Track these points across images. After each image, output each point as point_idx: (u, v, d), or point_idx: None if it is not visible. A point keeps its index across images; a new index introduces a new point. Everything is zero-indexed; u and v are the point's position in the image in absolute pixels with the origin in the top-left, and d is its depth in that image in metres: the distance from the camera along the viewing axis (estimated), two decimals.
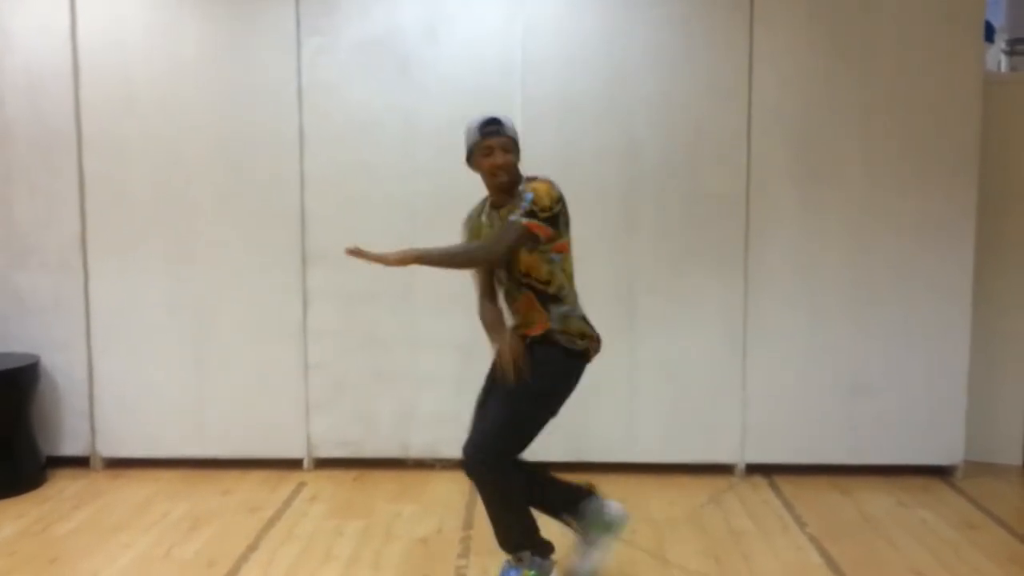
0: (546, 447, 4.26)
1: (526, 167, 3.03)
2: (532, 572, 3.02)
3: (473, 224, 3.13)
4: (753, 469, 4.28)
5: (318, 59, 4.17)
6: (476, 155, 2.99)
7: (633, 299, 4.20)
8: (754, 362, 4.21)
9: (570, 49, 4.13)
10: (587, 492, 3.14)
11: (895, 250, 4.15)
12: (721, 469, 4.28)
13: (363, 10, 4.15)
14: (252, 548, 3.43)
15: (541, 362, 2.97)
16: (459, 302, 4.18)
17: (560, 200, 2.92)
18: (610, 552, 3.13)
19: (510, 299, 3.06)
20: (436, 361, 4.27)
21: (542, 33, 4.12)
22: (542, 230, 2.87)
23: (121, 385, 4.31)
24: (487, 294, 3.13)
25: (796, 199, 4.15)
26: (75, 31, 4.18)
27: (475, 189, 3.21)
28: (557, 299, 3.01)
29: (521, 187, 2.95)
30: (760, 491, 4.08)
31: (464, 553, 3.40)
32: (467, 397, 4.13)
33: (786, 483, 4.16)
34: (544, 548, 3.07)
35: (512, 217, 2.87)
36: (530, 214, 2.85)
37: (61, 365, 4.30)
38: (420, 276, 4.18)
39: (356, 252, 2.70)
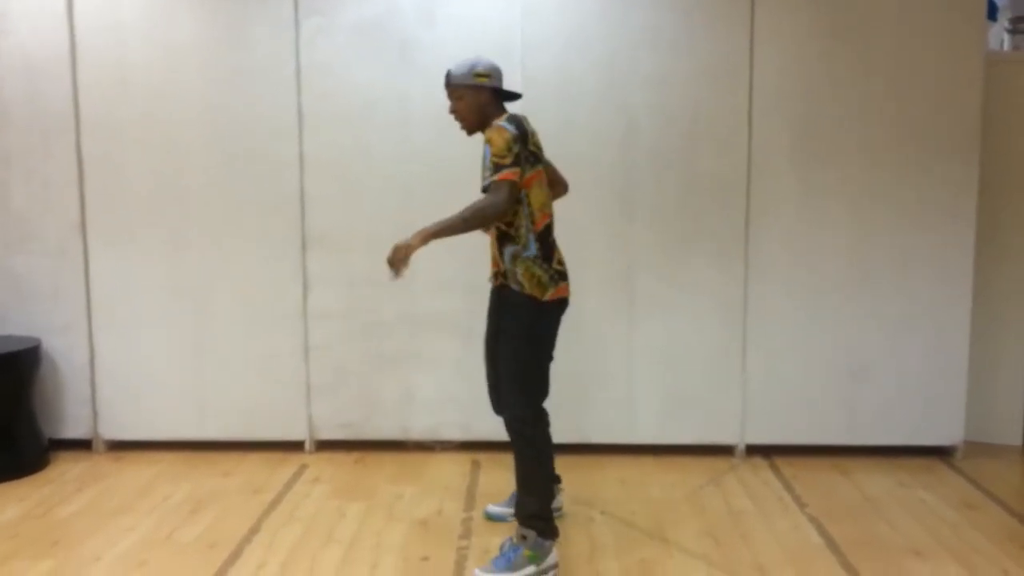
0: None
1: None
2: (531, 553, 3.05)
3: None
4: (753, 450, 4.29)
5: (316, 41, 4.14)
6: None
7: (632, 282, 4.20)
8: (754, 343, 4.21)
9: (569, 31, 4.10)
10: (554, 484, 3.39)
11: (896, 232, 4.14)
12: (721, 450, 4.29)
13: None
14: (254, 530, 3.45)
15: (511, 306, 3.13)
16: (459, 285, 4.18)
17: (515, 140, 2.99)
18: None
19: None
20: (436, 344, 4.27)
21: (541, 15, 4.10)
22: (513, 174, 2.97)
23: (122, 368, 4.32)
24: None
25: (796, 182, 4.13)
26: (72, 12, 4.15)
27: (472, 173, 3.22)
28: (509, 238, 3.11)
29: (486, 135, 3.06)
30: (760, 472, 4.09)
31: (465, 534, 3.42)
32: (468, 379, 4.18)
33: (786, 464, 4.17)
34: (550, 531, 3.11)
35: (485, 179, 2.98)
36: (496, 168, 2.96)
37: (62, 349, 4.31)
38: (420, 259, 4.16)
39: (394, 267, 2.96)
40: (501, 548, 3.16)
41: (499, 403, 3.27)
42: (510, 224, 3.08)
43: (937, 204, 4.12)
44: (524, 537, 3.06)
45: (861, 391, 4.21)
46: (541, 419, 3.15)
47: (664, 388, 4.25)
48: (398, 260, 2.93)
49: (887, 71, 4.07)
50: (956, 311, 4.17)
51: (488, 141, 2.99)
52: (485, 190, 2.98)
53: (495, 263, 3.19)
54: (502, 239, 3.11)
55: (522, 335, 3.10)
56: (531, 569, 3.04)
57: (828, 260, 4.16)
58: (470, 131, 3.22)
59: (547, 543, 3.08)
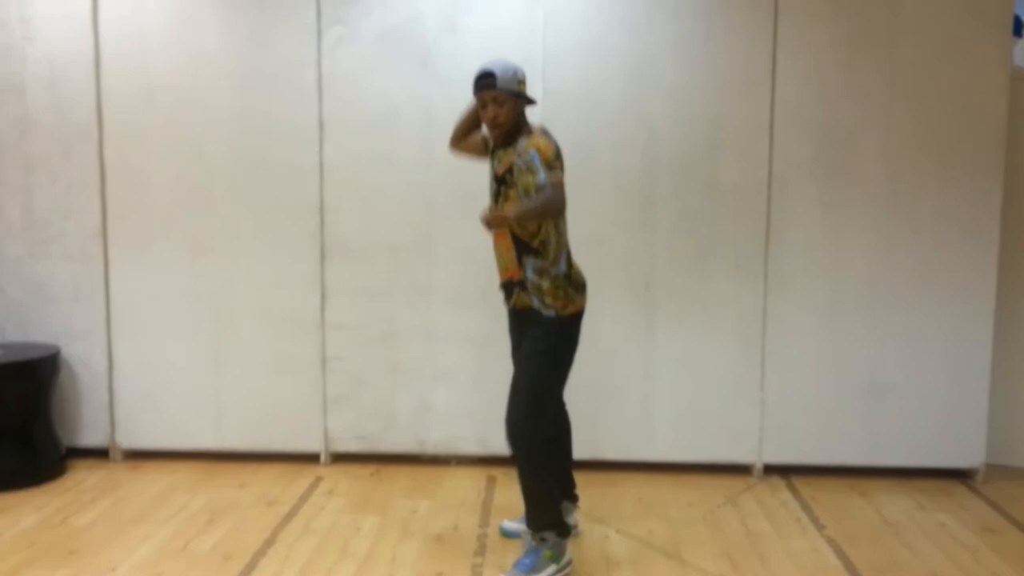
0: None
1: None
2: (551, 553, 3.13)
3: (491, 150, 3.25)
4: (771, 470, 4.25)
5: (338, 49, 4.14)
6: (477, 105, 3.14)
7: (650, 295, 4.18)
8: (773, 361, 4.18)
9: (591, 40, 4.09)
10: (571, 495, 3.44)
11: (917, 248, 4.09)
12: (739, 469, 4.26)
13: (384, 0, 4.12)
14: (269, 543, 3.44)
15: (535, 324, 3.13)
16: (476, 298, 4.16)
17: (557, 153, 3.03)
18: None
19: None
20: (453, 356, 4.26)
21: (563, 23, 4.08)
22: (562, 181, 2.97)
23: (140, 377, 4.33)
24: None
25: (817, 195, 4.10)
26: (97, 20, 4.17)
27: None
28: (536, 252, 3.11)
29: (523, 141, 3.04)
30: (778, 492, 4.05)
31: (480, 551, 3.40)
32: (484, 393, 4.17)
33: (804, 484, 4.14)
34: (566, 529, 3.20)
35: (540, 180, 2.92)
36: (550, 169, 2.93)
37: (81, 356, 4.32)
38: (438, 271, 4.18)
39: (490, 227, 2.92)
40: (525, 551, 3.20)
41: (507, 416, 3.19)
42: (534, 235, 3.08)
43: (959, 219, 4.08)
44: (544, 539, 3.13)
45: (880, 411, 4.17)
46: (544, 433, 3.14)
47: (681, 405, 4.22)
48: (495, 221, 2.90)
49: (910, 84, 4.03)
50: (978, 329, 4.12)
51: (535, 147, 2.95)
52: (539, 189, 2.93)
53: (510, 271, 3.15)
54: (523, 249, 3.10)
55: (548, 352, 3.12)
56: (552, 568, 3.13)
57: (848, 275, 4.12)
58: (505, 140, 3.12)
59: (563, 542, 3.18)
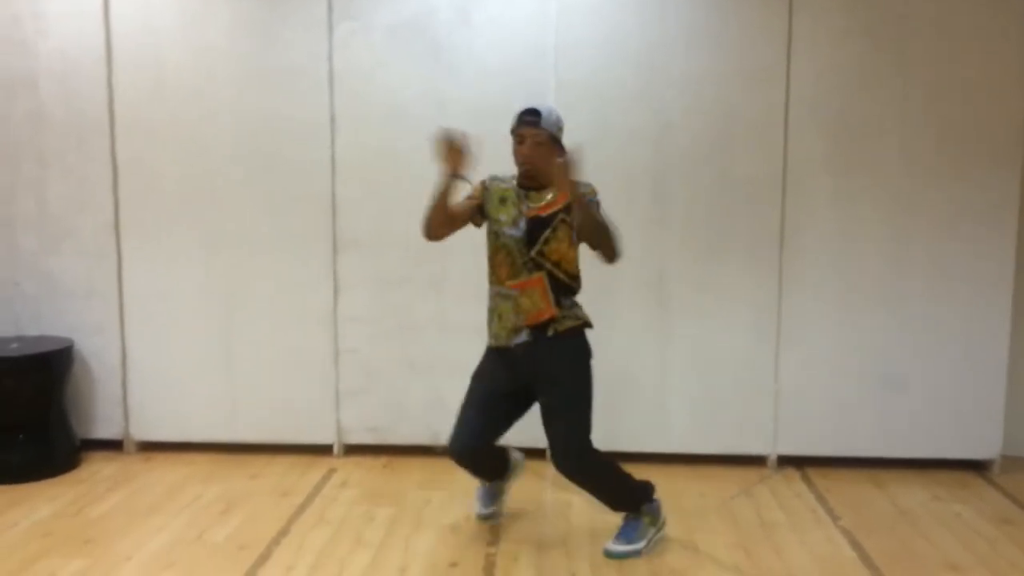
0: None
1: None
2: (648, 517, 3.30)
3: (505, 198, 3.15)
4: (785, 461, 4.23)
5: (350, 43, 4.15)
6: (513, 139, 3.08)
7: (664, 287, 4.16)
8: (787, 352, 4.16)
9: (604, 31, 4.08)
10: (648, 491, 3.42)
11: (933, 240, 4.07)
12: (753, 461, 4.24)
13: None
14: (283, 533, 3.45)
15: (572, 349, 3.15)
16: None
17: None
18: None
19: (510, 272, 3.10)
20: (466, 349, 4.22)
21: (576, 15, 4.08)
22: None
23: (154, 370, 4.34)
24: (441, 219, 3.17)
25: (832, 187, 4.08)
26: (108, 14, 4.18)
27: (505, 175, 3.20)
28: (572, 291, 3.16)
29: (586, 186, 3.05)
30: (792, 483, 4.03)
31: (494, 541, 3.40)
32: None
33: (819, 475, 4.12)
34: (651, 493, 3.35)
35: (597, 208, 3.06)
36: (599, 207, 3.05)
37: (95, 349, 4.34)
38: (452, 263, 4.17)
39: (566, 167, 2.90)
40: (624, 526, 3.29)
41: (560, 453, 3.16)
42: (575, 277, 3.16)
43: (976, 211, 4.05)
44: (639, 511, 3.28)
45: (896, 402, 4.14)
46: (598, 456, 3.21)
47: (696, 396, 4.21)
48: (567, 165, 2.92)
49: (926, 75, 4.01)
50: (995, 321, 4.09)
51: (580, 183, 2.99)
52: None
53: (542, 312, 3.10)
54: (563, 290, 3.13)
55: (588, 371, 3.17)
56: (652, 531, 3.31)
57: (863, 267, 4.10)
58: (534, 180, 3.10)
59: (655, 502, 3.33)
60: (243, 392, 4.33)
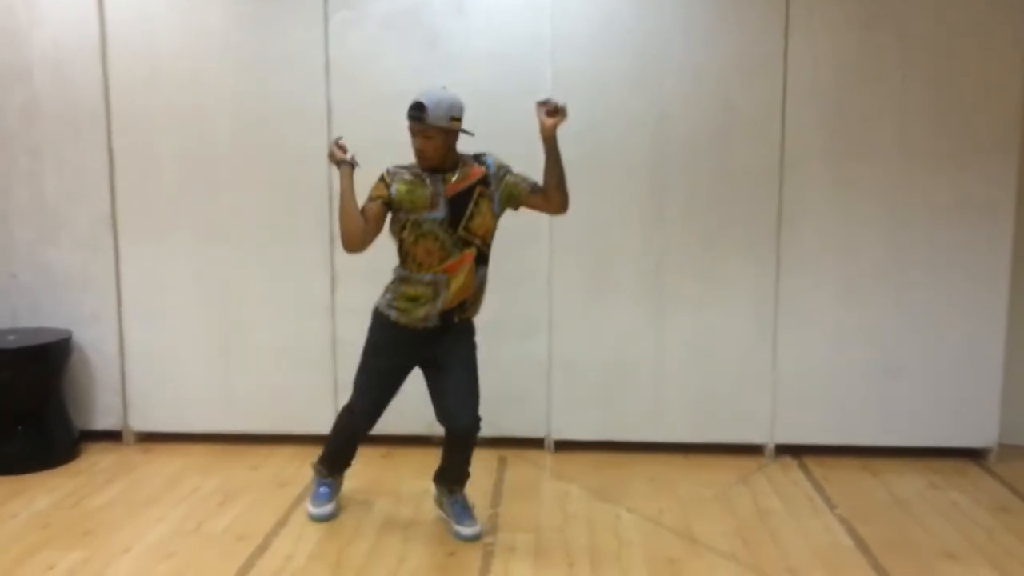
0: (575, 426, 4.28)
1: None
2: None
3: (413, 187, 3.16)
4: (783, 450, 4.24)
5: (346, 32, 4.13)
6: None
7: (662, 276, 4.16)
8: (785, 341, 4.16)
9: (600, 20, 4.06)
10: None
11: (931, 229, 4.07)
12: (751, 450, 4.25)
13: None
14: (281, 523, 3.46)
15: (464, 330, 3.29)
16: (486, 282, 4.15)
17: None
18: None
19: (440, 256, 3.13)
20: None
21: (572, 4, 4.05)
22: None
23: (152, 361, 4.34)
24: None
25: (830, 176, 4.07)
26: (102, 2, 4.16)
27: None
28: (487, 261, 3.23)
29: (487, 156, 3.18)
30: (790, 472, 4.05)
31: (491, 530, 3.41)
32: (494, 376, 4.12)
33: (816, 464, 4.13)
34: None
35: (516, 176, 3.18)
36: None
37: (93, 340, 4.33)
38: None
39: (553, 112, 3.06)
40: (453, 505, 3.39)
41: (468, 410, 3.24)
42: (489, 245, 3.22)
43: (974, 200, 4.04)
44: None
45: (893, 391, 4.15)
46: None
47: (693, 386, 4.21)
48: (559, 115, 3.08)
49: (924, 64, 3.99)
50: (992, 309, 4.09)
51: (491, 155, 3.21)
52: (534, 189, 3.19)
53: (465, 291, 3.17)
54: (481, 261, 3.20)
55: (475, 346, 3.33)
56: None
57: (861, 256, 4.10)
58: (437, 168, 3.16)
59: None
60: (241, 383, 4.33)
